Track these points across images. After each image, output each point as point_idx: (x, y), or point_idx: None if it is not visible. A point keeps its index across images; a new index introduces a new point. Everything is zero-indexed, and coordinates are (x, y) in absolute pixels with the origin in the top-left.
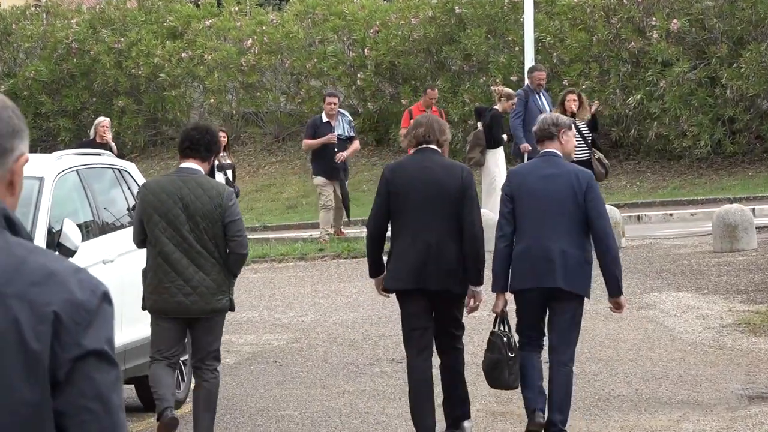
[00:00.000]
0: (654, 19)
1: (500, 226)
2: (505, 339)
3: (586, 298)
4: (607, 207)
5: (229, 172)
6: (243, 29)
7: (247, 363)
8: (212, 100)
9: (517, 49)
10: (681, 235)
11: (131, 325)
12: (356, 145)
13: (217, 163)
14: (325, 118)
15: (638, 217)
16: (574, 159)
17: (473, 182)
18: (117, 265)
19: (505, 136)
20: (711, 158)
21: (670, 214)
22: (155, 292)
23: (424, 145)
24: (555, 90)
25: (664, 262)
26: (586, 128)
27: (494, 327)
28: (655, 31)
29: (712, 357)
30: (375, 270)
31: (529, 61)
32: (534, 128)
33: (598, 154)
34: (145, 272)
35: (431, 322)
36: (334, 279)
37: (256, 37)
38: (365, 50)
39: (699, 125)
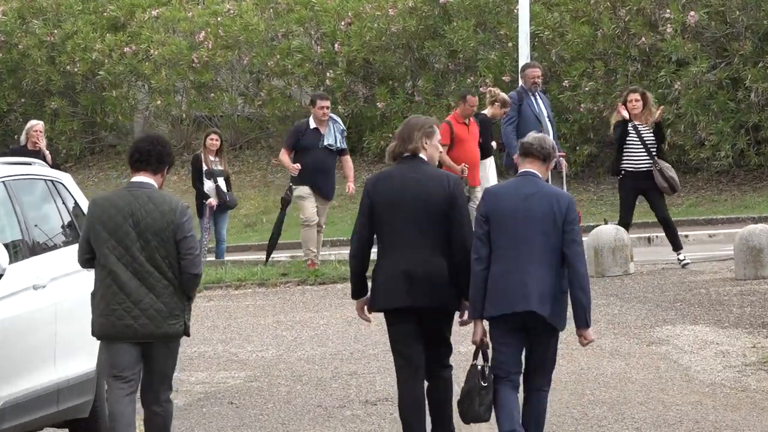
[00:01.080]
0: (668, 11)
1: (476, 249)
2: (479, 367)
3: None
4: (614, 227)
5: (221, 180)
6: (195, 20)
7: (198, 404)
8: (159, 102)
9: (510, 45)
10: (698, 260)
11: (66, 361)
12: (350, 162)
13: (205, 168)
14: (313, 124)
15: (648, 239)
16: (633, 169)
17: (462, 191)
18: (50, 291)
19: (494, 144)
20: (732, 171)
21: (686, 236)
22: (102, 315)
23: (404, 153)
24: (553, 92)
25: (678, 291)
26: (650, 135)
27: (474, 359)
28: (669, 25)
29: (733, 400)
30: (358, 290)
31: (524, 58)
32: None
33: (660, 165)
34: (92, 295)
35: (422, 342)
36: (299, 308)
37: (209, 30)
38: (336, 45)
39: (719, 133)
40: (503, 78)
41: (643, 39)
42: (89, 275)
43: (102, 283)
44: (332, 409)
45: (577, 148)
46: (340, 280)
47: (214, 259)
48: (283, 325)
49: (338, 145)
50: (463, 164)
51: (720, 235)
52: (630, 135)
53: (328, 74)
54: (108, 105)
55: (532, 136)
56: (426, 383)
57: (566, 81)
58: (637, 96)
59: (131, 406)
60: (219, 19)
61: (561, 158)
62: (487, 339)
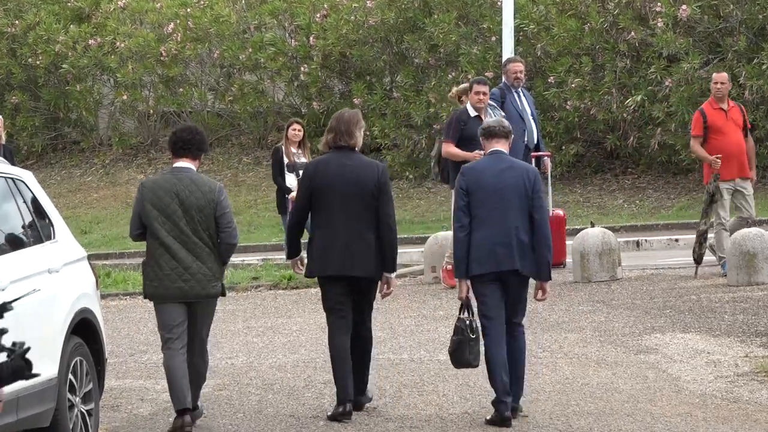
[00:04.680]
0: (659, 4)
1: (458, 218)
2: (467, 322)
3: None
4: (601, 230)
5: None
6: (163, 12)
7: (164, 413)
8: (125, 97)
9: (493, 39)
10: (688, 265)
11: None
12: None
13: (287, 161)
14: (473, 112)
15: (637, 243)
16: None
17: (388, 178)
18: (9, 294)
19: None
20: None
21: (676, 240)
22: (156, 279)
23: (342, 145)
24: (538, 89)
25: (668, 298)
26: None
27: (460, 313)
28: (659, 19)
29: (724, 411)
30: (294, 252)
31: (508, 53)
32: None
33: None
34: (144, 264)
35: (350, 303)
36: (270, 313)
37: (179, 22)
38: (310, 38)
39: None
40: (486, 74)
41: (633, 33)
42: (51, 278)
43: (155, 252)
44: (305, 420)
45: (563, 147)
46: (314, 285)
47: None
48: (253, 331)
49: None
50: (716, 156)
51: (712, 239)
52: None
53: (302, 69)
54: (71, 100)
55: (491, 120)
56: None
57: (552, 77)
58: None
59: (184, 360)
60: (188, 10)
61: (545, 158)
62: (471, 295)
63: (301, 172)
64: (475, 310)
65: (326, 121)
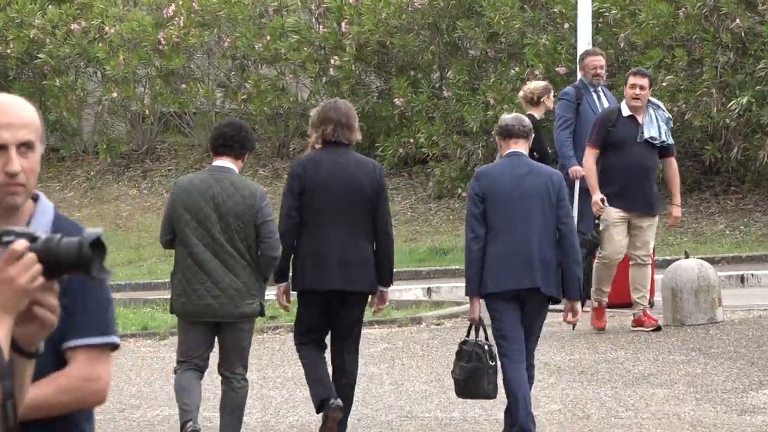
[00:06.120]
0: None
1: (472, 228)
2: (486, 347)
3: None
4: (698, 262)
5: None
6: None
7: None
8: (115, 94)
9: (566, 26)
10: None
11: None
12: (675, 168)
13: None
14: (626, 111)
15: (741, 278)
16: None
17: (384, 179)
18: None
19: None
20: None
21: None
22: (183, 294)
23: (340, 141)
24: (622, 88)
25: None
26: None
27: (468, 335)
28: None
29: None
30: (283, 276)
31: (584, 44)
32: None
33: None
34: (173, 275)
35: (327, 327)
36: (291, 361)
37: (181, 2)
38: (342, 25)
39: None
40: (557, 69)
41: (738, 21)
42: None
43: (184, 262)
44: None
45: None
46: None
47: None
48: (270, 382)
49: (663, 138)
50: None
51: None
52: None
53: (332, 62)
54: (50, 97)
55: (508, 117)
56: (334, 360)
57: None
58: None
59: (197, 380)
60: None
61: None
62: (483, 315)
63: None
64: (489, 332)
65: (363, 122)
